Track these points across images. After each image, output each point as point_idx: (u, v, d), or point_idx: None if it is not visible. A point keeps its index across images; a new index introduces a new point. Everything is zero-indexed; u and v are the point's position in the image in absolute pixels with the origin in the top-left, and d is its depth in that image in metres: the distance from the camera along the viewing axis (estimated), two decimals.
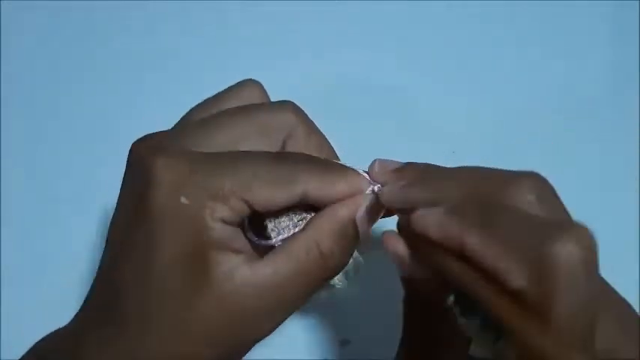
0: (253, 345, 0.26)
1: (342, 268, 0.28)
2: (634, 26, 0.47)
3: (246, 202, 0.25)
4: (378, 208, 0.27)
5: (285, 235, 0.27)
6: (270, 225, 0.27)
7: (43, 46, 0.47)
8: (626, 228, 0.41)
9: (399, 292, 0.34)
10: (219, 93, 0.29)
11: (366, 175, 0.28)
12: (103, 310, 0.26)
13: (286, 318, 0.26)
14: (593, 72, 0.46)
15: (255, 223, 0.27)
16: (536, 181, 0.24)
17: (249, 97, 0.29)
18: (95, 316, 0.26)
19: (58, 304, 0.38)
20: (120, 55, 0.47)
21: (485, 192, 0.24)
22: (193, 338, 0.25)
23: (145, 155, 0.25)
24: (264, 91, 0.30)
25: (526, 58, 0.47)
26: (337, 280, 0.29)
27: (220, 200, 0.24)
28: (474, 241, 0.23)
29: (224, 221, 0.24)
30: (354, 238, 0.27)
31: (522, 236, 0.22)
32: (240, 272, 0.24)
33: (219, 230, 0.24)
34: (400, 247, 0.27)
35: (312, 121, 0.29)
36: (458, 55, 0.47)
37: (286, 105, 0.28)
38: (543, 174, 0.29)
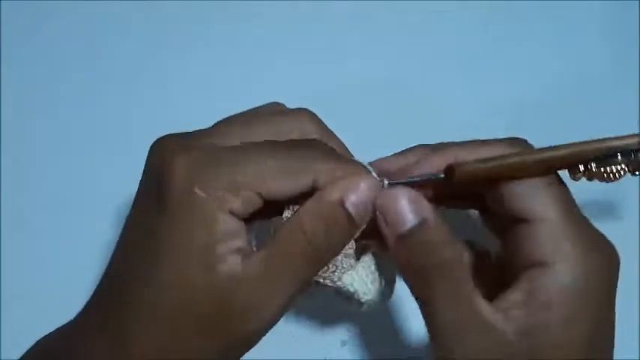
0: (253, 340, 0.27)
1: (332, 252, 0.27)
2: (634, 25, 0.47)
3: (258, 193, 0.25)
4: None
5: None
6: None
7: (43, 46, 0.47)
8: (627, 226, 0.41)
9: (400, 292, 0.34)
10: (246, 110, 0.30)
11: (372, 169, 0.28)
12: (109, 301, 0.27)
13: (282, 309, 0.26)
14: (593, 70, 0.46)
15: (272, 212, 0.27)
16: None
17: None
18: (102, 310, 0.27)
19: (58, 303, 0.38)
20: (124, 54, 0.47)
21: None
22: (191, 331, 0.25)
23: (164, 151, 0.26)
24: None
25: (527, 56, 0.47)
26: (362, 294, 0.29)
27: (232, 192, 0.25)
28: None
29: (233, 213, 0.25)
30: (345, 221, 0.26)
31: None
32: (235, 269, 0.25)
33: (228, 224, 0.25)
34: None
35: (327, 128, 0.29)
36: (461, 52, 0.47)
37: (303, 112, 0.29)
38: None
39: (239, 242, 0.25)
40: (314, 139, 0.28)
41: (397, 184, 0.28)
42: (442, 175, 0.28)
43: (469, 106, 0.45)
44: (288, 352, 0.37)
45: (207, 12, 0.48)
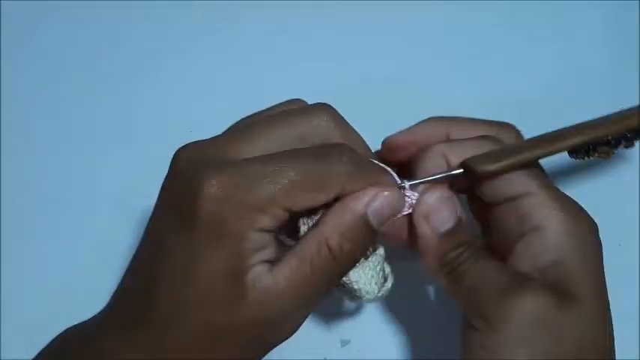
0: (274, 347, 0.27)
1: (355, 262, 0.28)
2: (634, 25, 0.47)
3: (287, 209, 0.26)
4: (400, 204, 0.28)
5: None
6: (302, 227, 0.27)
7: (43, 46, 0.47)
8: (627, 226, 0.41)
9: (400, 292, 0.34)
10: (266, 108, 0.30)
11: (393, 173, 0.29)
12: (131, 306, 0.27)
13: (307, 316, 0.27)
14: (593, 70, 0.46)
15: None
16: None
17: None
18: (124, 312, 0.27)
19: (58, 303, 0.38)
20: (124, 54, 0.47)
21: None
22: (220, 341, 0.26)
23: (190, 165, 0.26)
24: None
25: (527, 56, 0.47)
26: (365, 293, 0.29)
27: (262, 211, 0.25)
28: None
29: (263, 230, 0.25)
30: (368, 232, 0.27)
31: None
32: (264, 281, 0.25)
33: (257, 241, 0.25)
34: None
35: (347, 123, 0.29)
36: (461, 52, 0.47)
37: (322, 108, 0.29)
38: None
39: (267, 254, 0.26)
40: (338, 145, 0.27)
41: (417, 184, 0.30)
42: (461, 170, 0.30)
43: (469, 105, 0.45)
44: (288, 352, 0.37)
45: (207, 12, 0.48)
